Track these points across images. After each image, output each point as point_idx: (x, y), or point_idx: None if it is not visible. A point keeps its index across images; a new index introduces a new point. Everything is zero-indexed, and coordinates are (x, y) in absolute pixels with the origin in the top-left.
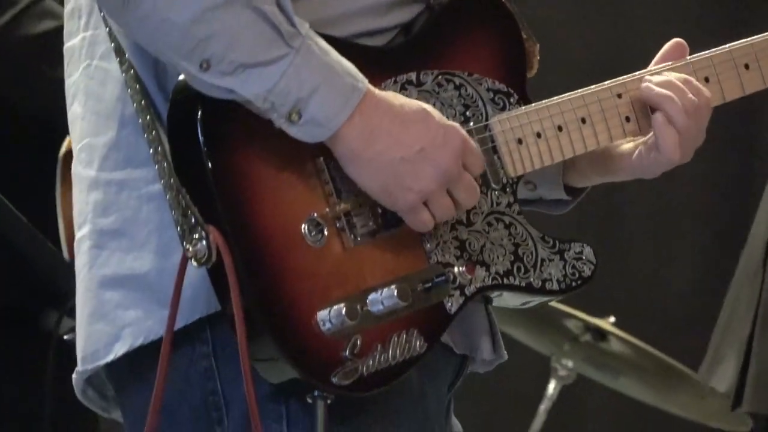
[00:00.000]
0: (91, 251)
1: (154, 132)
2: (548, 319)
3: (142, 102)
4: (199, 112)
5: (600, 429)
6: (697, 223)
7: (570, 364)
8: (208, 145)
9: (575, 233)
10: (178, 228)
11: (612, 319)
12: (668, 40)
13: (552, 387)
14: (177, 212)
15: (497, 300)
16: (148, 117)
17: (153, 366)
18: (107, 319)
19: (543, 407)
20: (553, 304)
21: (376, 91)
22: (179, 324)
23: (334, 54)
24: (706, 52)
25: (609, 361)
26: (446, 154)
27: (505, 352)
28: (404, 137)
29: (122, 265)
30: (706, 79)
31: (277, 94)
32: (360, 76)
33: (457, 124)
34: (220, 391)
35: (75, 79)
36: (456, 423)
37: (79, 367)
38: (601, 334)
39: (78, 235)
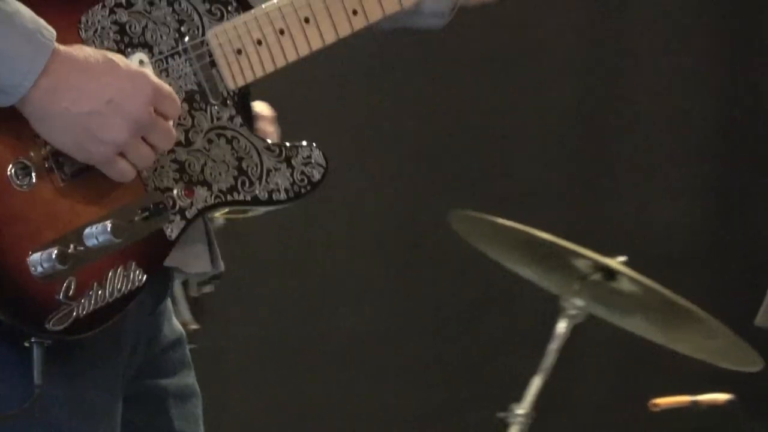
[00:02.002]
0: None
1: None
2: (558, 259)
3: None
4: None
5: (610, 368)
6: (702, 157)
7: (580, 303)
8: None
9: (579, 177)
10: None
11: (622, 258)
12: None
13: (562, 326)
14: None
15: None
16: None
17: None
18: None
19: (553, 346)
20: (563, 243)
21: (61, 47)
22: None
23: (18, 17)
24: None
25: (619, 300)
26: (135, 102)
27: (222, 262)
28: (90, 90)
29: None
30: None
31: None
32: (46, 32)
33: (146, 71)
34: None
35: None
36: (177, 325)
37: None
38: (610, 273)
39: None
